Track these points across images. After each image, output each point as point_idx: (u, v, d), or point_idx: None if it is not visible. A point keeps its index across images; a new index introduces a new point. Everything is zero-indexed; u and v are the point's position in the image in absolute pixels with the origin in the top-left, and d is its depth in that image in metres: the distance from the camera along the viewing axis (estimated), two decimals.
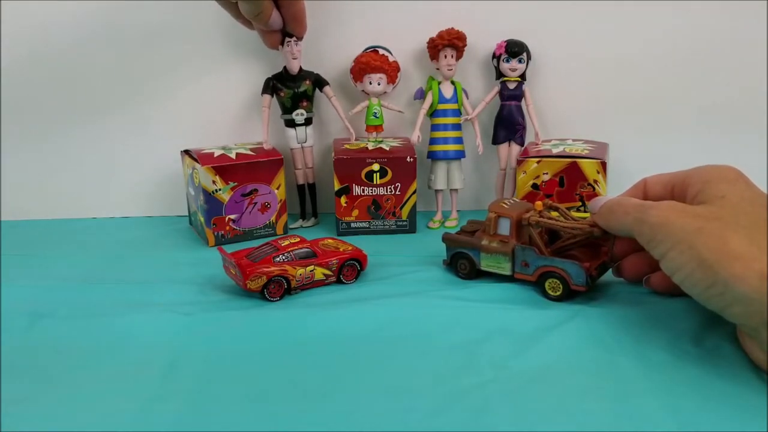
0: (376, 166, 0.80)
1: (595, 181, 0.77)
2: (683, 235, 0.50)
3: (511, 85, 0.82)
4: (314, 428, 0.45)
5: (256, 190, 0.79)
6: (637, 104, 0.86)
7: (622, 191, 0.63)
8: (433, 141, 0.84)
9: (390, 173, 0.80)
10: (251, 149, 0.81)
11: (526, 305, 0.62)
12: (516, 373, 0.51)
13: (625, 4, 0.83)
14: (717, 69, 0.85)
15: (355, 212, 0.82)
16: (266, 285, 0.64)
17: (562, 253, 0.64)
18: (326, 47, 0.84)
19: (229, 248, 0.69)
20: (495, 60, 0.83)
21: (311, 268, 0.66)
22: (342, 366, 0.52)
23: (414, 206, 0.82)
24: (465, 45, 0.81)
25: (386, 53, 0.82)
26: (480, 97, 0.85)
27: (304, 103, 0.82)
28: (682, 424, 0.44)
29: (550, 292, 0.63)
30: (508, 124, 0.84)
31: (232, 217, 0.79)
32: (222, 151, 0.79)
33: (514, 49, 0.81)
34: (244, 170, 0.78)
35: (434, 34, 0.80)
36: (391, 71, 0.81)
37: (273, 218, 0.82)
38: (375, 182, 0.80)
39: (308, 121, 0.83)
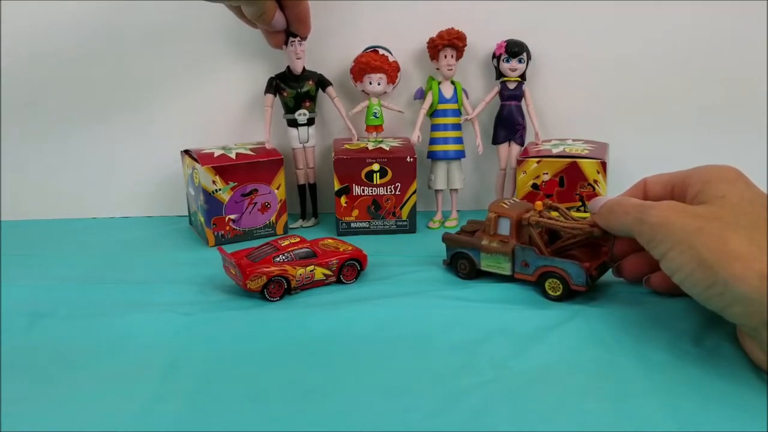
0: (376, 166, 0.80)
1: (595, 181, 0.77)
2: (683, 235, 0.50)
3: (511, 85, 0.82)
4: (314, 428, 0.45)
5: (256, 190, 0.79)
6: (637, 104, 0.86)
7: (622, 191, 0.63)
8: (433, 141, 0.84)
9: (390, 173, 0.80)
10: (251, 149, 0.81)
11: (526, 305, 0.62)
12: (516, 373, 0.51)
13: (625, 4, 0.83)
14: (717, 69, 0.85)
15: (355, 212, 0.82)
16: (266, 285, 0.64)
17: (562, 253, 0.64)
18: (326, 47, 0.84)
19: (229, 248, 0.69)
20: (495, 60, 0.83)
21: (311, 268, 0.66)
22: (342, 366, 0.52)
23: (414, 206, 0.82)
24: (465, 45, 0.81)
25: (386, 53, 0.82)
26: (480, 97, 0.85)
27: (307, 103, 0.82)
28: (682, 424, 0.44)
29: (550, 292, 0.63)
30: (508, 124, 0.84)
31: (232, 217, 0.79)
32: (222, 151, 0.79)
33: (514, 49, 0.81)
34: (244, 170, 0.78)
35: (434, 34, 0.80)
36: (391, 71, 0.81)
37: (273, 218, 0.82)
38: (375, 182, 0.80)
39: (311, 122, 0.83)
